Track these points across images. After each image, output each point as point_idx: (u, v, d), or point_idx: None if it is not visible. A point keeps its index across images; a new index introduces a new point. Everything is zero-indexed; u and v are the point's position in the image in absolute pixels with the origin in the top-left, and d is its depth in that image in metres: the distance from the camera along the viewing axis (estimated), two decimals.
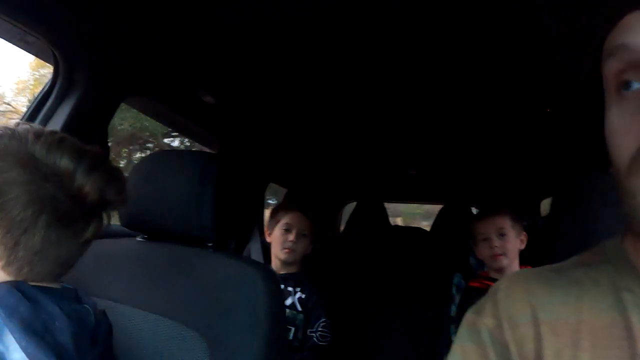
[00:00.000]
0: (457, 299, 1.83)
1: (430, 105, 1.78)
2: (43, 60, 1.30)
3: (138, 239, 1.13)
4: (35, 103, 1.27)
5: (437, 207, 3.18)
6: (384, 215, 3.24)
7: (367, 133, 2.24)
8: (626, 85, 0.43)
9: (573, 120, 1.76)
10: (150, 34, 1.36)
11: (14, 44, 1.20)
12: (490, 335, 0.51)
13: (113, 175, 0.72)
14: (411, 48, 1.33)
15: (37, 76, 7.46)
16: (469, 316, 0.55)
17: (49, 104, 1.26)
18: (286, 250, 1.74)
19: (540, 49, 1.23)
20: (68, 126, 1.25)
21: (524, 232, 1.68)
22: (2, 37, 1.16)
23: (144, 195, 1.05)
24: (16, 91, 8.32)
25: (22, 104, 7.77)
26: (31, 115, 1.27)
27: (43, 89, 1.28)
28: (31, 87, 7.86)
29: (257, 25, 1.29)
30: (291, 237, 1.75)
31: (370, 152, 2.59)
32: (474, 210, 3.22)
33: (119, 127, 6.67)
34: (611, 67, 0.44)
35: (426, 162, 2.75)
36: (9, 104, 7.83)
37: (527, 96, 1.59)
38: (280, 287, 0.97)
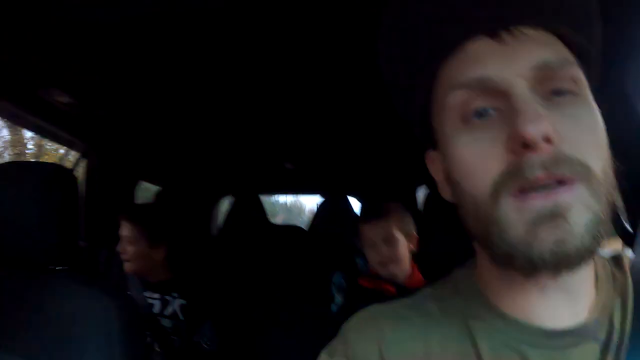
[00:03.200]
0: (337, 298, 1.84)
1: (298, 97, 1.77)
2: None
3: None
4: None
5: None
6: (261, 209, 3.23)
7: (238, 126, 2.19)
8: (479, 113, 0.42)
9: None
10: None
11: None
12: None
13: None
14: (270, 40, 1.31)
15: None
16: (322, 357, 0.54)
17: None
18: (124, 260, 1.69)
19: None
20: None
21: (414, 234, 1.54)
22: None
23: None
24: None
25: None
26: None
27: None
28: None
29: (108, 22, 1.20)
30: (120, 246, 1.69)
31: (242, 145, 2.55)
32: (353, 201, 3.34)
33: None
34: (457, 99, 0.44)
35: (301, 154, 2.76)
36: None
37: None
38: (138, 316, 0.92)
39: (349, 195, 3.33)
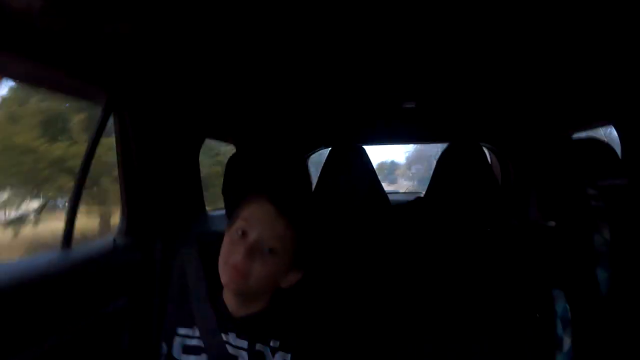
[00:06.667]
0: (565, 342, 1.05)
1: (425, 20, 1.20)
2: None
3: None
4: None
5: None
6: (371, 169, 2.47)
7: (337, 52, 1.50)
8: None
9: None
10: None
11: None
12: None
13: None
14: None
15: None
16: None
17: None
18: (231, 272, 0.92)
19: None
20: None
21: None
22: None
23: None
24: None
25: None
26: None
27: None
28: None
29: None
30: (241, 249, 0.92)
31: (343, 79, 1.86)
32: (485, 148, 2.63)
33: None
34: None
35: (427, 90, 2.09)
36: None
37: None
38: None
39: (481, 143, 2.63)
